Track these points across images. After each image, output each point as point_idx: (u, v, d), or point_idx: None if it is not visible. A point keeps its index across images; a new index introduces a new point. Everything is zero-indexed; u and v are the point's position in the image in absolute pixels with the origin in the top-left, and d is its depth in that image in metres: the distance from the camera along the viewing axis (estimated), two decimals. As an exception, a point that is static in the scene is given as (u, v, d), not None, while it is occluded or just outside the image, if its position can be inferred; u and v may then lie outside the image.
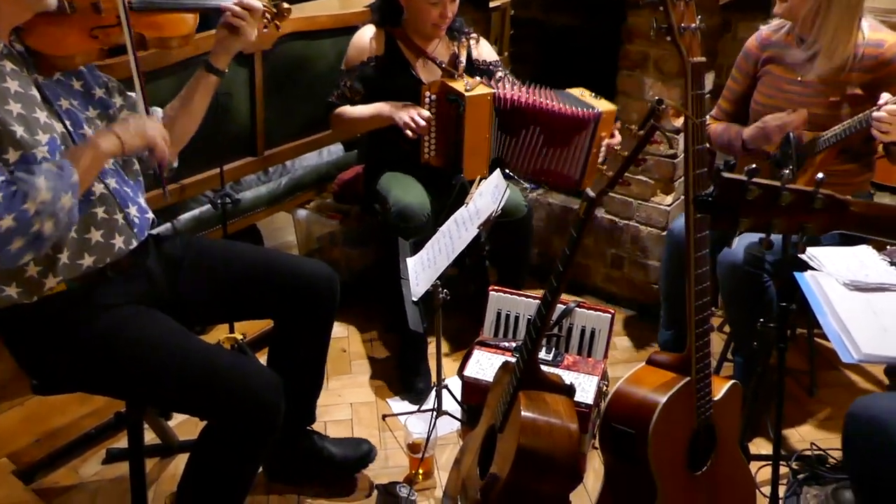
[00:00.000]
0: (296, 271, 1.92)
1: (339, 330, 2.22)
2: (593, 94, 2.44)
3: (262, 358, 2.58)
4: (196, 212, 2.64)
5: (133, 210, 1.73)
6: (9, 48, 1.56)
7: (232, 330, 2.46)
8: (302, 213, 3.07)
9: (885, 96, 1.97)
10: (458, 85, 2.35)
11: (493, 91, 2.37)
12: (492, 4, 3.44)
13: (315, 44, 2.78)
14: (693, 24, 1.47)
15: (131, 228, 1.71)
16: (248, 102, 2.59)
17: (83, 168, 1.52)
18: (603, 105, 2.38)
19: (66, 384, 1.75)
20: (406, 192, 2.44)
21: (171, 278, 1.83)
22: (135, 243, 1.72)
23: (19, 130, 1.49)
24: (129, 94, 1.85)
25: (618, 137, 2.42)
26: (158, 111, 1.87)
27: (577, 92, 2.46)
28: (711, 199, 1.09)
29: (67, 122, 1.63)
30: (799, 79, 2.18)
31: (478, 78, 2.45)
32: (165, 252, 1.85)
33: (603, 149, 2.40)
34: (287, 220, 3.32)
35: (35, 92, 1.58)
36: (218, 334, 2.49)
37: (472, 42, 2.61)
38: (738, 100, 2.38)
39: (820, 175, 1.13)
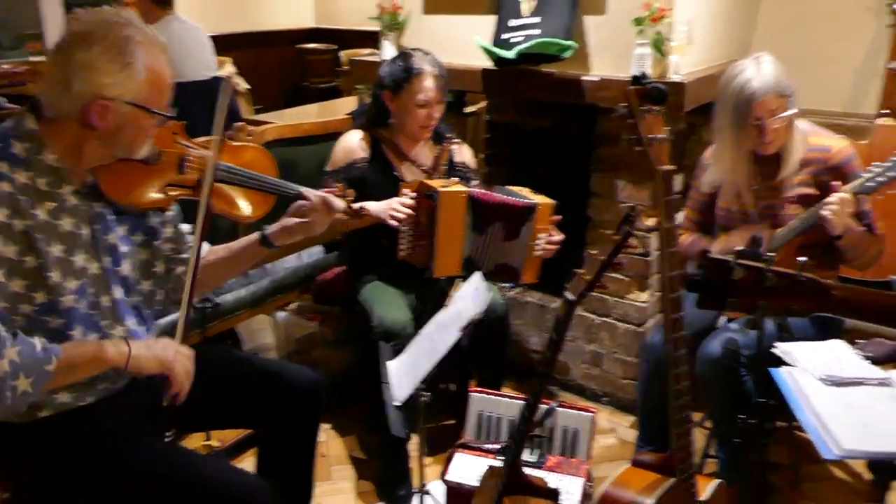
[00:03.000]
0: (280, 377, 1.90)
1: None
2: (532, 191, 2.52)
3: (239, 465, 2.55)
4: (174, 316, 2.63)
5: None
6: (79, 183, 1.57)
7: (208, 437, 2.41)
8: (281, 314, 3.07)
9: (836, 185, 2.06)
10: (436, 183, 2.42)
11: (468, 190, 2.43)
12: (467, 109, 3.58)
13: (298, 150, 2.86)
14: (661, 135, 1.55)
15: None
16: (231, 207, 2.63)
17: (71, 362, 1.47)
18: (541, 199, 2.46)
19: (39, 499, 1.68)
20: (389, 307, 2.44)
21: (149, 386, 1.80)
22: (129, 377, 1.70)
23: (54, 275, 1.50)
24: (184, 225, 1.83)
25: (558, 236, 2.49)
26: (206, 245, 1.84)
27: (516, 189, 2.54)
28: (700, 280, 1.13)
29: (107, 259, 1.62)
30: (755, 186, 2.27)
31: (456, 179, 2.52)
32: None
33: (541, 242, 2.46)
34: (266, 321, 3.31)
35: (85, 230, 1.58)
36: (193, 442, 2.44)
37: (455, 147, 2.70)
38: (702, 208, 2.46)
39: (803, 258, 1.18)
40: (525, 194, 2.50)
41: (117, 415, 1.66)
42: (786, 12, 3.33)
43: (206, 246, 1.86)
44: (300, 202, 1.83)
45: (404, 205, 2.40)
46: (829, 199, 2.04)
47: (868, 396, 1.71)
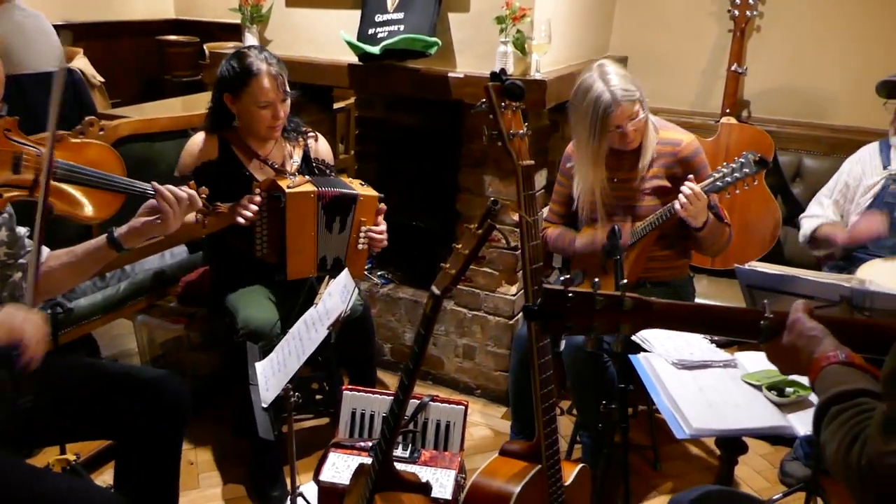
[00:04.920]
0: (139, 383, 1.81)
1: (184, 440, 2.11)
2: (361, 183, 2.53)
3: (98, 479, 2.41)
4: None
5: None
6: None
7: (63, 451, 2.26)
8: (143, 318, 2.92)
9: (688, 182, 2.19)
10: (284, 182, 2.37)
11: (316, 189, 2.39)
12: (336, 105, 3.54)
13: (156, 146, 2.73)
14: (521, 131, 1.59)
15: None
16: (83, 206, 2.48)
17: None
18: (365, 191, 2.47)
19: None
20: (255, 308, 2.38)
21: None
22: None
23: None
24: (20, 228, 1.71)
25: (382, 226, 2.51)
26: (45, 250, 1.72)
27: (347, 180, 2.54)
28: (538, 309, 1.19)
29: None
30: (615, 179, 2.38)
31: (307, 177, 2.48)
32: None
33: (363, 235, 2.48)
34: (127, 326, 3.15)
35: None
36: (47, 457, 2.28)
37: (311, 141, 2.62)
38: (566, 201, 2.55)
39: (624, 281, 1.25)
40: (354, 186, 2.49)
41: None
42: (638, 16, 3.51)
43: (45, 251, 1.75)
44: (151, 201, 1.76)
45: (252, 202, 2.34)
46: (681, 199, 2.16)
47: (714, 378, 1.84)
